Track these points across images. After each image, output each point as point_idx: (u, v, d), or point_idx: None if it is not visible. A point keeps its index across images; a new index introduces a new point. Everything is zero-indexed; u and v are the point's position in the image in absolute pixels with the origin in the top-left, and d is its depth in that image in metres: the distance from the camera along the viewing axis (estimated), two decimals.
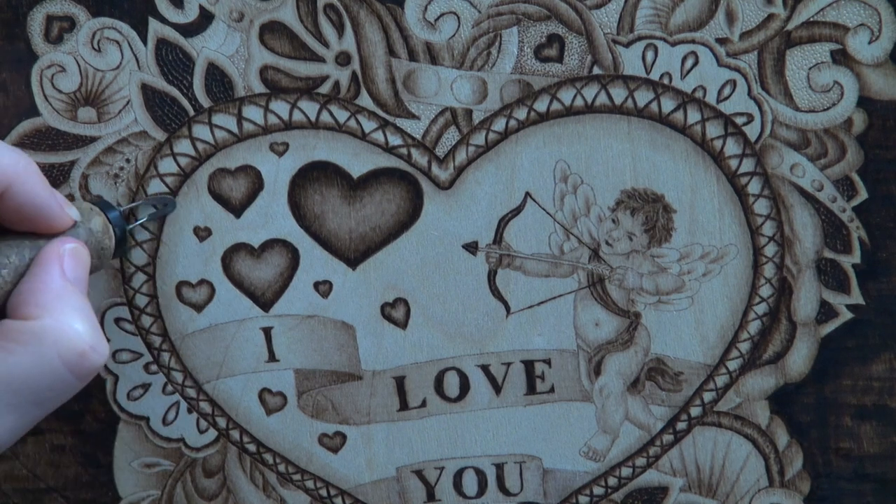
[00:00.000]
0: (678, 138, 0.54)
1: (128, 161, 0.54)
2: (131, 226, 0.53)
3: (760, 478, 0.58)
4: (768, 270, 0.55)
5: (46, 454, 0.58)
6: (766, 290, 0.55)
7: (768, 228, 0.55)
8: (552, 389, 0.57)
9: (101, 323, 0.56)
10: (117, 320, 0.56)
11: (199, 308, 0.56)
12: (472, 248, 0.55)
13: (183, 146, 0.54)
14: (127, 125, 0.54)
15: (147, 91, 0.54)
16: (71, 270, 0.47)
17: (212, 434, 0.58)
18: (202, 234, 0.55)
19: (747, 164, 0.54)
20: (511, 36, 0.53)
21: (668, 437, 0.58)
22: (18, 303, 0.46)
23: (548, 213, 0.55)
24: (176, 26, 0.53)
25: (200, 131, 0.54)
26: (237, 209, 0.55)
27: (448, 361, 0.57)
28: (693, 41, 0.52)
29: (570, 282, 0.56)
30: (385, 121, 0.54)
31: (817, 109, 0.53)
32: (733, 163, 0.54)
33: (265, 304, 0.56)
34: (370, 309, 0.56)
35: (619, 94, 0.53)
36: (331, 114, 0.54)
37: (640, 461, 0.58)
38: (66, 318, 0.45)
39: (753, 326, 0.56)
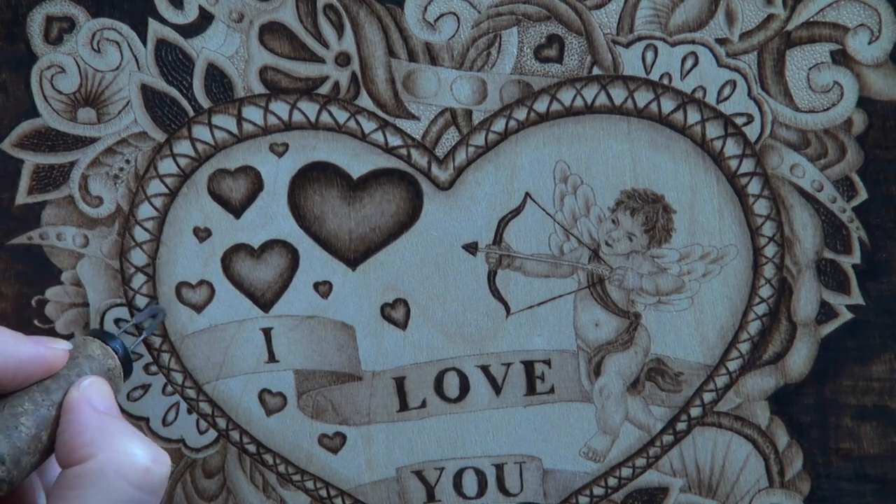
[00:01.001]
0: (678, 139, 0.54)
1: (127, 162, 0.54)
2: (132, 345, 0.52)
3: (760, 478, 0.58)
4: (768, 271, 0.55)
5: None
6: (766, 291, 0.55)
7: (768, 229, 0.55)
8: (552, 390, 0.57)
9: (101, 323, 0.56)
10: (117, 321, 0.56)
11: (198, 309, 0.56)
12: (471, 248, 0.55)
13: (183, 147, 0.54)
14: (126, 126, 0.54)
15: (147, 92, 0.54)
16: (100, 402, 0.47)
17: (212, 435, 0.58)
18: (202, 234, 0.55)
19: (747, 165, 0.54)
20: (511, 36, 0.53)
21: (668, 438, 0.58)
22: (66, 452, 0.46)
23: (548, 213, 0.55)
24: (175, 27, 0.53)
25: (200, 132, 0.54)
26: (237, 210, 0.55)
27: (448, 362, 0.57)
28: (693, 41, 0.52)
29: (570, 282, 0.56)
30: (385, 121, 0.54)
31: (817, 110, 0.53)
32: (733, 163, 0.54)
33: (265, 304, 0.56)
34: (370, 309, 0.56)
35: (618, 94, 0.53)
36: (330, 114, 0.54)
37: (640, 462, 0.58)
38: (117, 446, 0.45)
39: (753, 327, 0.56)
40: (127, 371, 0.51)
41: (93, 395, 0.48)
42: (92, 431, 0.46)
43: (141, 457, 0.45)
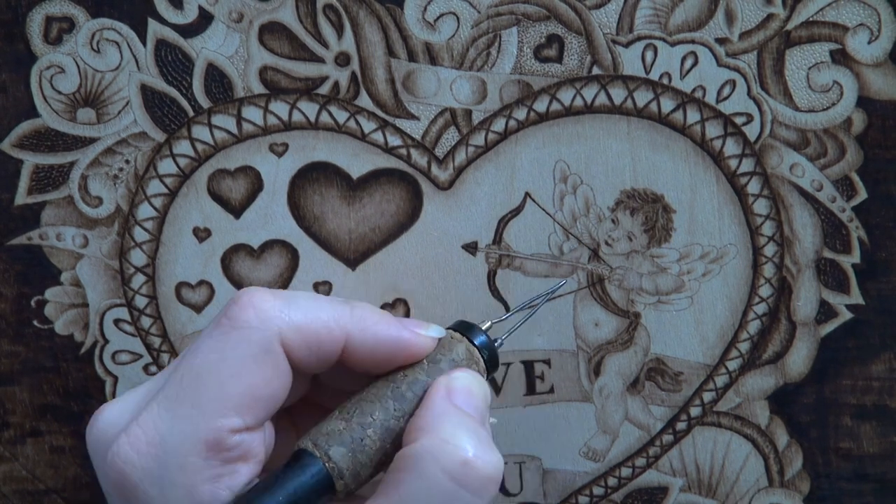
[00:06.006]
0: (678, 138, 0.54)
1: (127, 162, 0.54)
2: (499, 342, 0.49)
3: (760, 478, 0.58)
4: (768, 270, 0.55)
5: (46, 456, 0.58)
6: (765, 290, 0.55)
7: (768, 228, 0.55)
8: (552, 390, 0.57)
9: (101, 324, 0.56)
10: (117, 321, 0.56)
11: (198, 309, 0.56)
12: (471, 248, 0.55)
13: (182, 147, 0.54)
14: (126, 126, 0.54)
15: (146, 92, 0.54)
16: (461, 398, 0.45)
17: None
18: (202, 234, 0.55)
19: (747, 164, 0.54)
20: (510, 36, 0.53)
21: (667, 438, 0.58)
22: (406, 433, 0.44)
23: (547, 213, 0.55)
24: (175, 27, 0.53)
25: (200, 132, 0.54)
26: (237, 210, 0.55)
27: None
28: (692, 41, 0.52)
29: (569, 282, 0.56)
30: (384, 121, 0.54)
31: (817, 109, 0.53)
32: (733, 163, 0.54)
33: None
34: None
35: (618, 94, 0.53)
36: (330, 114, 0.54)
37: (640, 461, 0.58)
38: (444, 435, 0.43)
39: (753, 326, 0.56)
40: (490, 371, 0.48)
41: (457, 388, 0.45)
42: (429, 418, 0.44)
43: (464, 448, 0.43)
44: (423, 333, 0.46)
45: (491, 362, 0.48)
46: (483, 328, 0.48)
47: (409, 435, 0.44)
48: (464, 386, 0.46)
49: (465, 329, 0.48)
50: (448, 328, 0.48)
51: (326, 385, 0.48)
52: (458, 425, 0.44)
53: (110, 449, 0.43)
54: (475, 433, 0.44)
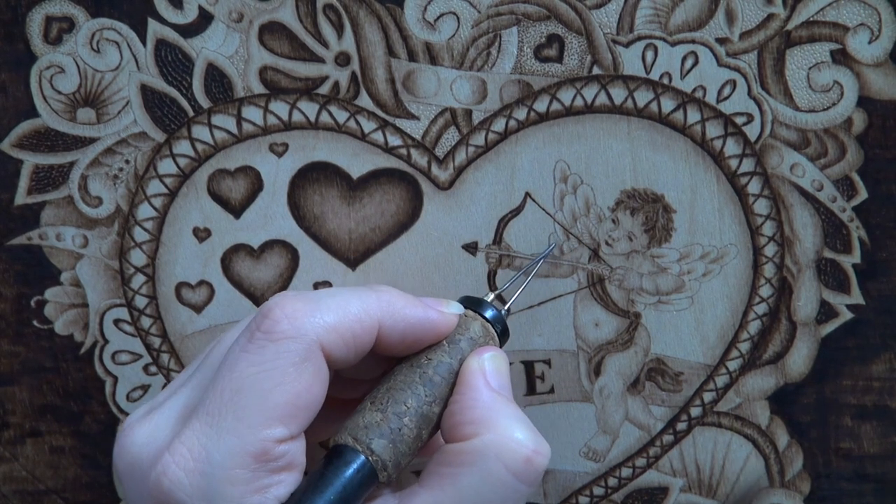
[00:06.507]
0: (678, 138, 0.54)
1: (127, 162, 0.54)
2: (505, 311, 0.50)
3: (760, 478, 0.58)
4: (768, 270, 0.55)
5: (46, 456, 0.58)
6: (766, 290, 0.55)
7: (768, 228, 0.55)
8: (552, 390, 0.57)
9: (101, 324, 0.56)
10: (116, 321, 0.56)
11: (198, 309, 0.56)
12: (471, 248, 0.55)
13: (182, 147, 0.54)
14: (126, 126, 0.54)
15: (146, 92, 0.53)
16: (494, 379, 0.46)
17: None
18: (202, 234, 0.55)
19: (747, 164, 0.54)
20: (511, 36, 0.53)
21: (668, 438, 0.58)
22: (453, 425, 0.45)
23: (548, 213, 0.55)
24: (175, 27, 0.53)
25: (200, 132, 0.54)
26: (237, 210, 0.55)
27: None
28: (693, 41, 0.52)
29: (570, 282, 0.56)
30: (385, 121, 0.54)
31: (817, 109, 0.53)
32: (733, 163, 0.54)
33: None
34: None
35: (618, 94, 0.53)
36: (330, 114, 0.54)
37: (640, 461, 0.58)
38: (503, 430, 0.44)
39: (753, 326, 0.56)
40: (504, 340, 0.50)
41: (490, 371, 0.46)
42: (482, 409, 0.45)
43: (526, 445, 0.44)
44: (446, 312, 0.47)
45: (503, 335, 0.49)
46: (489, 300, 0.50)
47: (461, 428, 0.45)
48: (495, 368, 0.47)
49: (474, 305, 0.49)
50: (461, 301, 0.49)
51: (337, 376, 0.49)
52: (513, 419, 0.45)
53: (154, 469, 0.43)
54: (528, 425, 0.45)
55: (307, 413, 0.44)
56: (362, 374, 0.49)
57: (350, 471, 0.44)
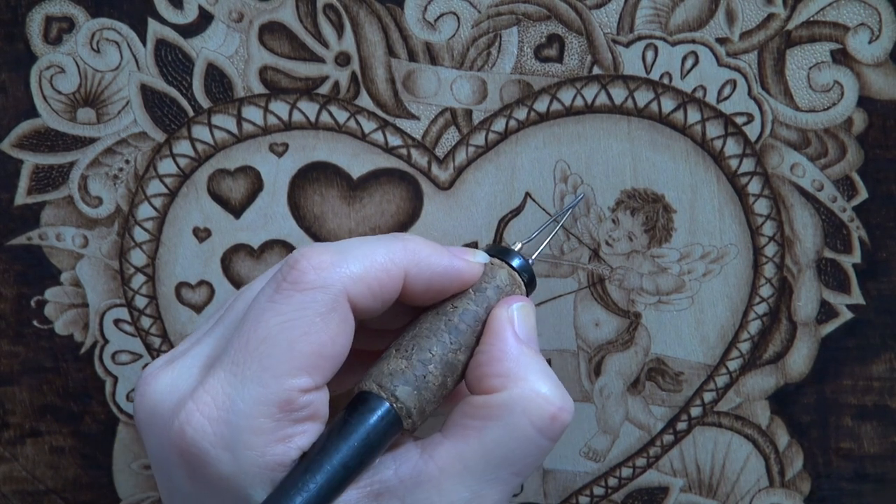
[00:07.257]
0: (678, 138, 0.54)
1: (127, 162, 0.54)
2: (532, 261, 0.50)
3: (761, 478, 0.58)
4: (768, 270, 0.55)
5: (46, 456, 0.58)
6: (766, 290, 0.55)
7: (768, 228, 0.55)
8: None
9: (101, 324, 0.56)
10: (117, 321, 0.56)
11: (198, 309, 0.56)
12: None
13: (182, 147, 0.54)
14: (126, 126, 0.54)
15: (146, 92, 0.53)
16: (522, 331, 0.46)
17: None
18: (202, 234, 0.55)
19: (747, 164, 0.54)
20: (511, 36, 0.53)
21: (668, 438, 0.58)
22: (479, 376, 0.45)
23: (548, 213, 0.55)
24: (175, 27, 0.53)
25: (200, 132, 0.54)
26: (237, 210, 0.55)
27: None
28: (693, 41, 0.52)
29: (570, 282, 0.56)
30: (385, 121, 0.54)
31: (817, 109, 0.53)
32: (733, 163, 0.54)
33: None
34: None
35: (619, 94, 0.53)
36: (330, 114, 0.54)
37: (641, 461, 0.58)
38: (530, 384, 0.44)
39: (753, 326, 0.56)
40: (530, 290, 0.49)
41: (518, 321, 0.46)
42: (509, 363, 0.45)
43: (552, 401, 0.44)
44: (472, 260, 0.47)
45: (530, 284, 0.49)
46: (516, 249, 0.50)
47: (487, 380, 0.45)
48: (524, 318, 0.47)
49: (501, 253, 0.49)
50: (488, 250, 0.49)
51: (361, 327, 0.49)
52: (540, 373, 0.45)
53: (177, 417, 0.43)
54: (554, 380, 0.45)
55: (332, 363, 0.44)
56: (387, 324, 0.48)
57: (374, 418, 0.44)
